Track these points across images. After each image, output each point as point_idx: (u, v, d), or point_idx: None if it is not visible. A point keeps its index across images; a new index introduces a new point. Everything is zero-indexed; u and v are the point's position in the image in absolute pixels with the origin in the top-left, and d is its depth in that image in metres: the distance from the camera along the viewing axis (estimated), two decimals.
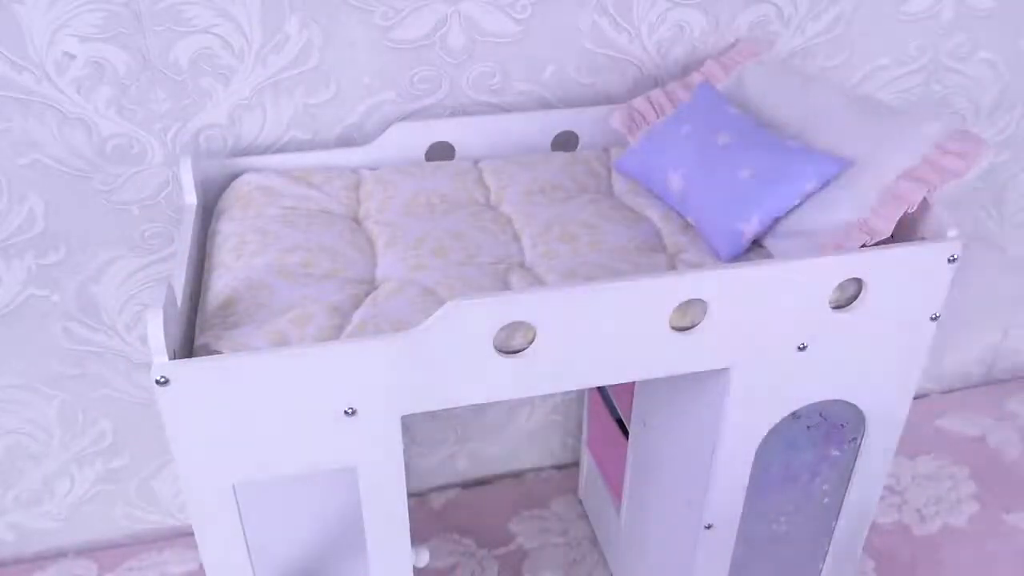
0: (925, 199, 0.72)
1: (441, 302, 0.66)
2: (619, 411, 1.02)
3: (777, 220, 0.76)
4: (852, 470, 0.86)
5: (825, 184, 0.75)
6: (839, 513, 0.90)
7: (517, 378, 0.69)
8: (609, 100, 0.99)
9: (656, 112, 0.93)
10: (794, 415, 0.80)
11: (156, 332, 0.60)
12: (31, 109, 0.83)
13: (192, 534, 0.71)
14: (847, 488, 0.88)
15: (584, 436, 1.19)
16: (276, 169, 0.87)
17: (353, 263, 0.77)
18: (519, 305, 0.65)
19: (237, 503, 0.69)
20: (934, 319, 0.76)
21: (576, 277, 0.73)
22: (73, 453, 1.07)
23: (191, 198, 0.81)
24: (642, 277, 0.67)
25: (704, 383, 0.78)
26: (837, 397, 0.80)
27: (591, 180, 0.91)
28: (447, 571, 1.12)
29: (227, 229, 0.80)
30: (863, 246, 0.71)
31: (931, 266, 0.74)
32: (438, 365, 0.66)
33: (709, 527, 0.84)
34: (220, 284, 0.72)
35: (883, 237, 0.71)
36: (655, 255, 0.78)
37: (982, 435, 1.35)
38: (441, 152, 0.94)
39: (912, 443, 1.31)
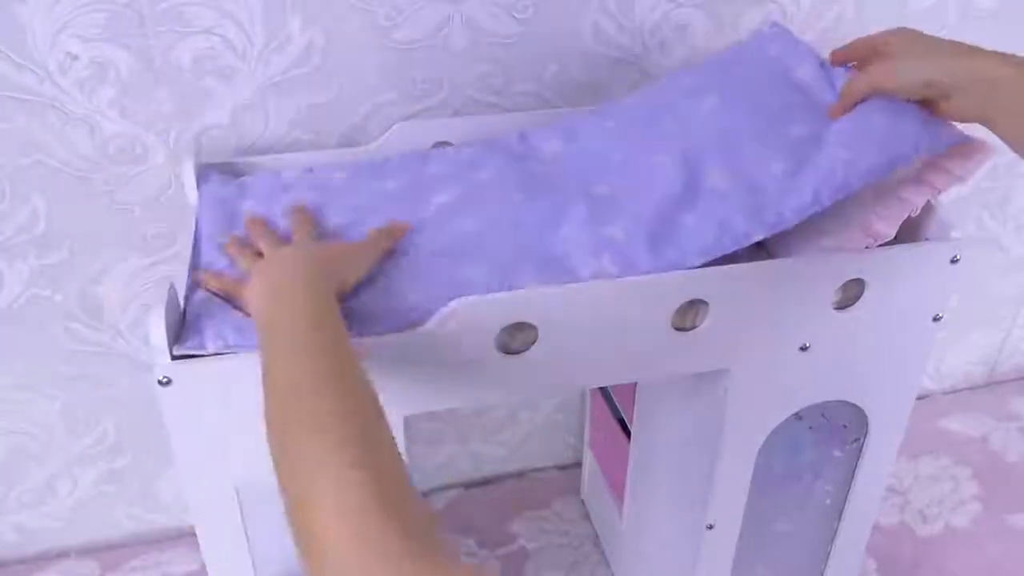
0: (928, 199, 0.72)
1: None
2: (621, 411, 1.02)
3: None
4: (854, 471, 0.86)
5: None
6: (841, 514, 0.90)
7: (519, 378, 0.68)
8: (611, 100, 0.98)
9: None
10: (796, 415, 0.80)
11: (158, 332, 0.60)
12: (33, 109, 0.83)
13: (195, 534, 0.71)
14: (849, 489, 0.88)
15: (586, 436, 1.19)
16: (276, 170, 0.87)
17: None
18: (521, 305, 0.65)
19: (240, 503, 0.69)
20: (937, 320, 0.76)
21: None
22: (75, 453, 1.07)
23: (193, 199, 0.81)
24: (644, 277, 0.67)
25: (706, 383, 0.78)
26: (839, 398, 0.80)
27: None
28: None
29: None
30: (865, 248, 0.71)
31: (934, 267, 0.74)
32: (440, 365, 0.66)
33: (711, 527, 0.84)
34: None
35: (886, 240, 0.71)
36: None
37: (985, 436, 1.35)
38: None
39: (914, 444, 1.30)
